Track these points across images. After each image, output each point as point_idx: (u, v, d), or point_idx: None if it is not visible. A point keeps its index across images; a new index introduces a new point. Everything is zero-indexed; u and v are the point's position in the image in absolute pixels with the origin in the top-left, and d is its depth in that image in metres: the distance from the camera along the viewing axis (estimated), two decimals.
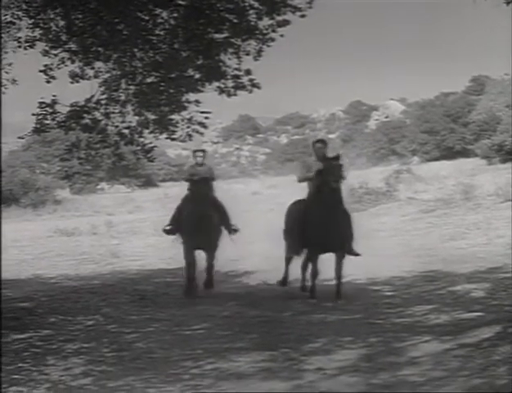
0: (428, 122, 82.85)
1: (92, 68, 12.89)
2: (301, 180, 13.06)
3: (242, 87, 12.79)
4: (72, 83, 12.98)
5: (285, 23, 12.29)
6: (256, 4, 12.16)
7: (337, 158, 12.60)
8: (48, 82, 12.72)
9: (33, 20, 12.47)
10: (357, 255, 12.47)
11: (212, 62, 12.58)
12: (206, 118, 13.12)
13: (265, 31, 12.41)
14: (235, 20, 12.20)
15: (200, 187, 13.27)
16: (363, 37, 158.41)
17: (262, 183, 58.66)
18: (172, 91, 13.00)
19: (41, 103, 12.80)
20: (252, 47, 12.58)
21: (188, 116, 13.12)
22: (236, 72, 12.73)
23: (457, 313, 10.39)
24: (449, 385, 7.09)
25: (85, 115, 13.07)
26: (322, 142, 13.48)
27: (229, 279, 15.13)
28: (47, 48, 12.68)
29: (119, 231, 28.30)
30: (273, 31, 12.40)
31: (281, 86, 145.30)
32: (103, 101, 13.14)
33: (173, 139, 13.39)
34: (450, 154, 76.34)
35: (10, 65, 13.00)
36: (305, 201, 12.93)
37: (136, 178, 68.79)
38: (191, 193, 13.50)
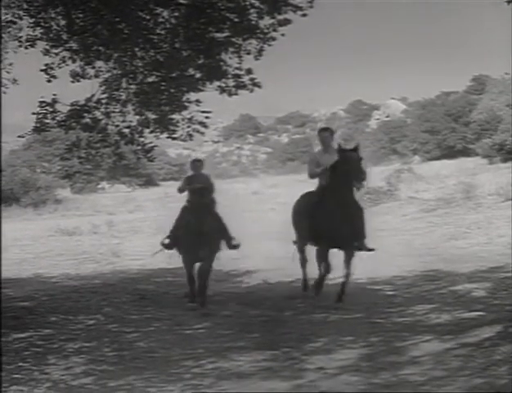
0: (429, 121, 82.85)
1: (93, 67, 12.90)
2: (313, 176, 12.19)
3: (243, 86, 12.80)
4: (73, 82, 12.99)
5: (286, 22, 12.29)
6: (257, 3, 12.16)
7: (355, 150, 11.62)
8: (49, 81, 12.73)
9: (34, 19, 12.47)
10: (370, 250, 11.82)
11: (213, 61, 12.59)
12: (207, 117, 13.13)
13: (266, 30, 12.42)
14: (236, 20, 12.20)
15: (199, 199, 12.38)
16: (364, 36, 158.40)
17: (263, 183, 58.69)
18: (172, 90, 13.00)
19: (41, 102, 12.81)
20: (253, 47, 12.59)
21: (189, 116, 13.13)
22: (237, 71, 12.74)
23: (458, 312, 10.39)
24: (450, 384, 7.09)
25: (85, 115, 13.08)
26: (328, 130, 12.63)
27: (230, 278, 15.13)
28: (47, 47, 12.69)
29: (120, 230, 28.30)
30: (274, 30, 12.41)
31: (282, 85, 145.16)
32: (104, 101, 13.15)
33: (174, 139, 13.39)
34: (451, 153, 76.37)
35: (10, 64, 13.01)
36: (315, 193, 12.19)
37: (137, 178, 68.82)
38: (190, 205, 12.60)
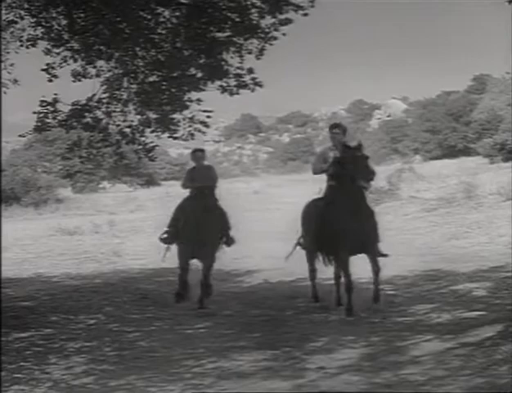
0: (430, 121, 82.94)
1: (94, 67, 12.89)
2: (316, 172, 11.50)
3: (244, 85, 12.79)
4: (74, 81, 12.99)
5: (288, 22, 12.28)
6: (258, 3, 12.16)
7: (359, 148, 11.01)
8: (50, 80, 12.73)
9: (35, 19, 12.47)
10: (383, 255, 11.17)
11: (214, 61, 12.58)
12: (208, 117, 13.12)
13: (267, 30, 12.41)
14: (238, 19, 12.20)
15: (201, 192, 12.06)
16: (365, 36, 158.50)
17: (264, 182, 58.68)
18: (174, 90, 12.99)
19: (42, 102, 12.81)
20: (254, 46, 12.58)
21: (190, 115, 13.12)
22: (238, 71, 12.73)
23: (459, 312, 10.40)
24: (450, 384, 7.09)
25: (87, 114, 13.07)
26: (339, 126, 11.83)
27: (231, 278, 15.14)
28: (49, 47, 12.68)
29: (121, 230, 28.28)
30: (275, 30, 12.40)
31: (284, 85, 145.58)
32: (105, 100, 13.14)
33: (175, 138, 13.38)
34: (452, 153, 76.43)
35: (12, 65, 13.01)
36: (323, 199, 11.49)
37: (138, 177, 68.78)
38: (191, 199, 12.32)
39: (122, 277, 15.89)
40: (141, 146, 13.47)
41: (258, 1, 12.13)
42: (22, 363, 8.66)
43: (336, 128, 11.72)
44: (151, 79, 13.04)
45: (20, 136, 14.20)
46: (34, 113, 12.87)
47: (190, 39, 12.41)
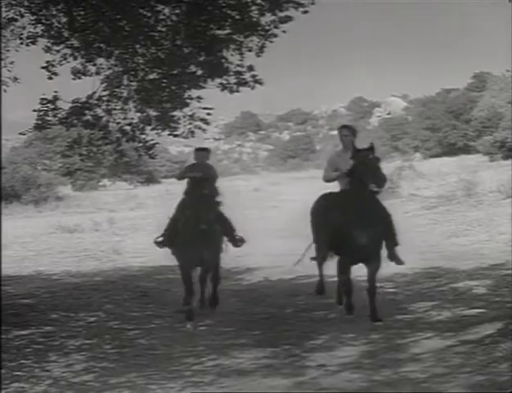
0: (430, 118, 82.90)
1: (94, 64, 12.90)
2: (328, 181, 10.89)
3: (244, 83, 12.80)
4: (74, 79, 13.00)
5: (288, 19, 12.29)
6: (258, 0, 12.16)
7: (371, 150, 10.26)
8: (50, 78, 12.74)
9: (35, 17, 12.48)
10: (399, 263, 10.64)
11: (214, 58, 12.59)
12: (208, 114, 13.12)
13: (267, 27, 12.43)
14: (238, 17, 12.21)
15: (200, 190, 10.86)
16: (365, 33, 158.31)
17: (264, 180, 58.64)
18: (174, 87, 13.00)
19: (42, 99, 12.82)
20: (254, 44, 12.60)
21: (190, 113, 13.13)
22: (238, 68, 12.75)
23: (459, 309, 10.39)
24: (451, 381, 7.09)
25: (87, 112, 13.09)
26: (348, 128, 11.05)
27: (231, 276, 15.12)
28: (49, 45, 12.70)
29: (121, 228, 28.29)
30: (275, 27, 12.42)
31: (283, 82, 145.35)
32: (105, 98, 13.16)
33: (175, 136, 13.39)
34: (452, 150, 76.37)
35: (12, 63, 13.01)
36: (336, 196, 10.78)
37: (138, 175, 68.73)
38: (189, 197, 11.24)
39: (122, 275, 15.89)
40: (141, 144, 13.49)
41: None
42: (22, 361, 8.66)
43: (346, 129, 10.98)
44: (151, 76, 13.06)
45: (20, 134, 14.22)
46: (35, 111, 12.90)
47: (190, 37, 12.42)
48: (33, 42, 12.70)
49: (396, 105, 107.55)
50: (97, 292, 13.48)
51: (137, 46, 12.69)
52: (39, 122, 13.00)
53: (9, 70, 12.97)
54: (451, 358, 7.91)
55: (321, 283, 11.46)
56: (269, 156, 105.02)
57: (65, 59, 12.76)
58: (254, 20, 12.34)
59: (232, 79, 12.82)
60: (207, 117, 13.17)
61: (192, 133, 13.27)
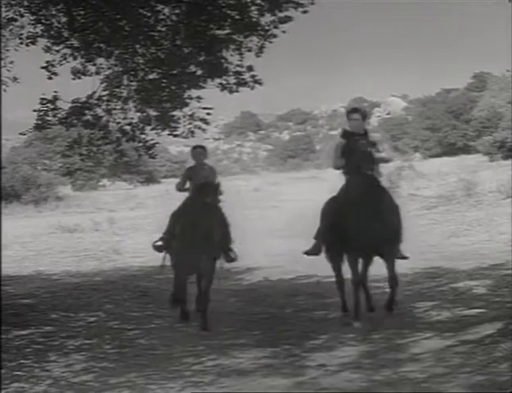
0: (430, 118, 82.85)
1: (94, 64, 12.91)
2: (337, 168, 10.16)
3: (244, 83, 12.82)
4: (74, 79, 13.01)
5: (287, 19, 12.30)
6: (258, 0, 12.17)
7: (364, 135, 9.83)
8: (50, 78, 12.75)
9: (34, 17, 12.49)
10: (403, 258, 10.44)
11: (214, 58, 12.60)
12: (208, 114, 13.13)
13: (267, 27, 12.44)
14: (237, 17, 12.22)
15: (201, 198, 10.40)
16: (365, 33, 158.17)
17: (264, 180, 58.63)
18: (174, 87, 13.01)
19: (42, 99, 12.83)
20: (254, 44, 12.62)
21: (190, 112, 13.14)
22: (238, 68, 12.76)
23: (459, 309, 10.39)
24: (450, 381, 7.09)
25: (87, 112, 13.10)
26: (358, 112, 10.23)
27: (231, 276, 15.11)
28: (48, 44, 12.72)
29: (121, 227, 28.30)
30: (275, 27, 12.43)
31: (283, 82, 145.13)
32: (105, 98, 13.17)
33: (175, 136, 13.41)
34: (452, 150, 76.31)
35: (11, 63, 13.02)
36: (342, 191, 10.15)
37: (138, 175, 68.69)
38: (190, 202, 10.91)
39: (122, 275, 15.90)
40: (141, 144, 13.50)
41: None
42: (22, 361, 8.66)
43: (355, 113, 10.13)
44: (151, 76, 13.07)
45: (20, 134, 14.25)
46: (35, 111, 12.91)
47: (190, 37, 12.43)
48: (32, 42, 12.72)
49: (396, 105, 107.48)
50: (97, 292, 13.48)
51: (137, 46, 12.70)
52: (39, 122, 13.02)
53: (8, 70, 12.99)
54: (450, 358, 7.91)
55: (344, 303, 10.46)
56: (269, 156, 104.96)
57: (65, 59, 12.77)
58: (254, 20, 12.35)
59: (232, 79, 12.83)
60: (207, 117, 13.18)
61: (192, 132, 13.28)
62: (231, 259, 11.09)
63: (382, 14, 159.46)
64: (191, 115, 13.14)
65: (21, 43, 12.72)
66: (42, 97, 12.91)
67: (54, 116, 12.98)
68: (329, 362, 8.06)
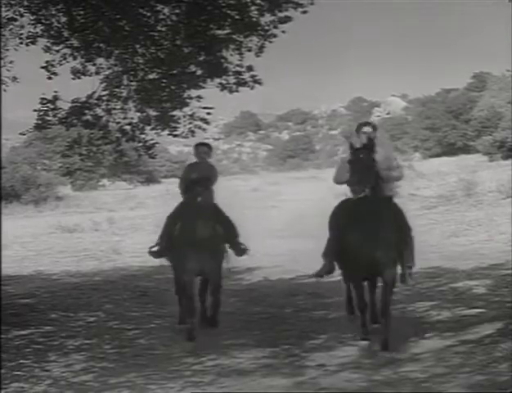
0: (430, 118, 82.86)
1: (94, 64, 12.91)
2: (337, 182, 9.54)
3: (244, 83, 12.81)
4: (74, 79, 13.00)
5: (287, 19, 12.30)
6: (258, 0, 12.17)
7: (367, 148, 9.12)
8: (50, 78, 12.74)
9: (34, 17, 12.49)
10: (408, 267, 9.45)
11: (214, 58, 12.60)
12: (208, 114, 13.13)
13: (267, 27, 12.44)
14: (237, 17, 12.22)
15: (200, 193, 9.77)
16: (365, 33, 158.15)
17: (263, 180, 58.62)
18: (173, 87, 13.01)
19: (42, 99, 12.82)
20: (254, 44, 12.61)
21: (190, 112, 13.14)
22: (238, 68, 12.76)
23: (459, 309, 10.39)
24: (450, 381, 7.09)
25: (86, 112, 13.10)
26: (368, 125, 9.69)
27: (231, 275, 15.12)
28: (48, 44, 12.71)
29: (121, 227, 28.29)
30: (275, 27, 12.43)
31: (283, 82, 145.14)
32: (105, 98, 13.17)
33: (175, 135, 13.40)
34: (451, 150, 76.32)
35: (11, 62, 13.01)
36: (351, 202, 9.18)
37: (138, 175, 68.70)
38: (187, 202, 10.11)
39: (121, 275, 15.90)
40: (141, 144, 13.50)
41: None
42: (22, 361, 8.66)
43: (366, 126, 9.57)
44: (151, 76, 13.06)
45: (20, 134, 14.25)
46: (35, 111, 12.90)
47: (189, 37, 12.43)
48: (32, 42, 12.71)
49: (395, 105, 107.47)
50: (97, 292, 13.48)
51: (137, 46, 12.69)
52: (39, 122, 13.01)
53: (8, 70, 12.98)
54: (450, 358, 7.92)
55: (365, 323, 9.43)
56: (268, 156, 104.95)
57: (65, 59, 12.77)
58: (254, 20, 12.35)
59: (232, 79, 12.83)
60: (207, 117, 13.17)
61: (192, 132, 13.27)
62: (241, 252, 10.53)
63: (381, 14, 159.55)
64: (191, 115, 13.13)
65: (21, 43, 12.72)
66: (42, 96, 12.91)
67: (54, 116, 12.98)
68: (328, 362, 8.07)
